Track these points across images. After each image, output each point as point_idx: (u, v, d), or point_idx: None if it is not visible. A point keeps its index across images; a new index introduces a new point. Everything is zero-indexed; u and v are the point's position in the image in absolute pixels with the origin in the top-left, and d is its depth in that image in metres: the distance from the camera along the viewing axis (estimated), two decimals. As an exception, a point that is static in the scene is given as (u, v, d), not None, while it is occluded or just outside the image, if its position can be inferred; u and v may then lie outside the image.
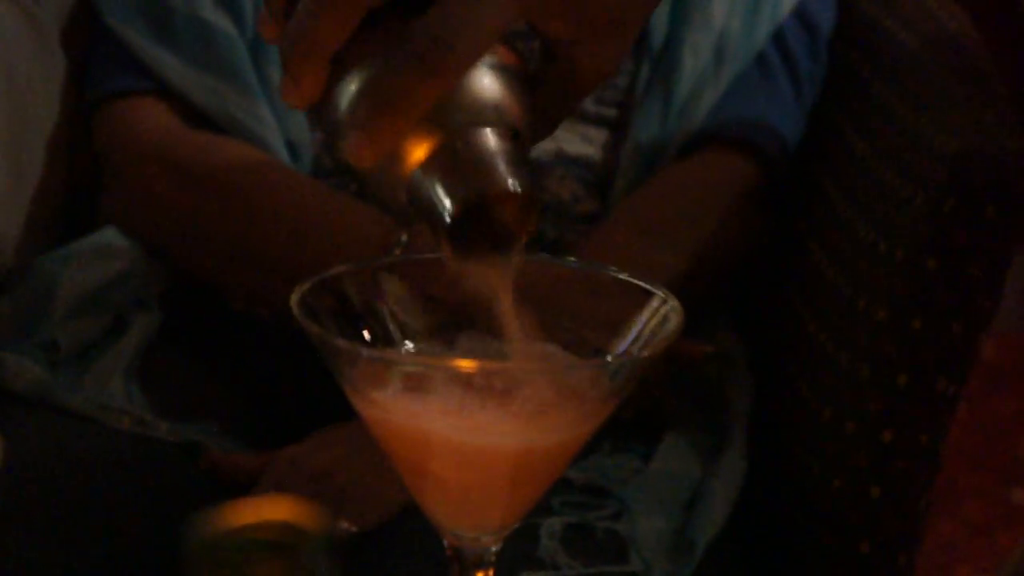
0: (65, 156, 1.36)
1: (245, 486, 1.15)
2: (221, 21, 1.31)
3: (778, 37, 1.36)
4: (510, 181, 0.68)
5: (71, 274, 1.28)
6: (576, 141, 1.34)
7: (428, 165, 0.68)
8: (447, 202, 0.67)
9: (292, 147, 1.31)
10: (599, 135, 1.34)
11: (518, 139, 0.69)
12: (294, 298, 0.72)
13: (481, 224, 0.68)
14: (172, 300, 1.32)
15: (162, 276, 1.32)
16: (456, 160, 0.67)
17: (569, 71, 0.72)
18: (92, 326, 1.28)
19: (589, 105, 1.34)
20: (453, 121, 0.67)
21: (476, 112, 0.68)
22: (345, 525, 1.10)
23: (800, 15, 1.37)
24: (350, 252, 1.20)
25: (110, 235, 1.31)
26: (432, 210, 0.68)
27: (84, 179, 1.36)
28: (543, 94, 0.72)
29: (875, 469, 1.15)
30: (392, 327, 0.76)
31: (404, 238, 1.20)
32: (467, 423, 0.70)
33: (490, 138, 0.68)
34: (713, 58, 1.34)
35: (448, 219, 0.67)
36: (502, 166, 0.68)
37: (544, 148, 1.32)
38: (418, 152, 0.67)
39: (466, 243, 0.69)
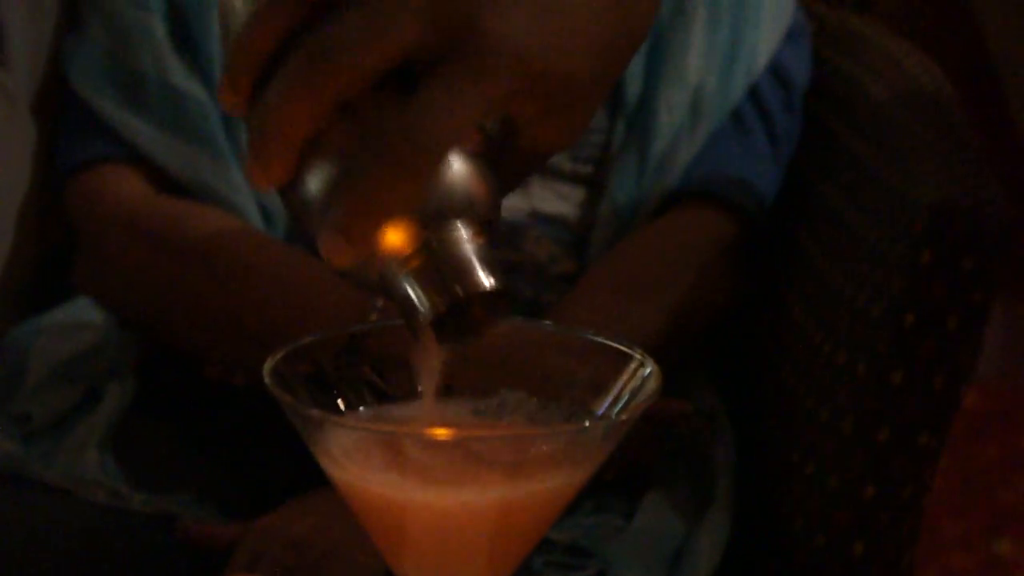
0: (36, 227, 1.35)
1: (221, 557, 1.13)
2: (192, 87, 1.31)
3: (754, 93, 1.36)
4: (487, 282, 0.68)
5: (43, 346, 1.27)
6: (551, 200, 1.33)
7: (406, 263, 0.68)
8: (426, 303, 0.68)
9: (265, 212, 1.31)
10: (575, 193, 1.34)
11: (489, 227, 0.69)
12: (266, 367, 0.71)
13: (457, 320, 0.69)
14: (146, 369, 1.31)
15: (136, 346, 1.31)
16: (435, 262, 0.68)
17: (529, 145, 0.71)
18: (65, 398, 1.27)
19: (564, 163, 1.34)
20: (429, 214, 0.67)
21: (451, 204, 0.68)
22: None
23: (775, 70, 1.37)
24: (326, 318, 1.20)
25: (82, 306, 1.30)
26: (410, 309, 0.68)
27: (55, 250, 1.35)
28: (502, 164, 0.71)
29: (858, 525, 1.14)
30: (367, 394, 0.75)
31: (380, 303, 1.19)
32: (444, 487, 0.69)
33: (464, 235, 0.68)
34: (689, 114, 1.34)
35: (427, 319, 0.68)
36: (478, 266, 0.68)
37: (518, 208, 1.32)
38: (395, 248, 0.68)
39: (441, 336, 0.69)
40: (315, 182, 0.67)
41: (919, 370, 1.11)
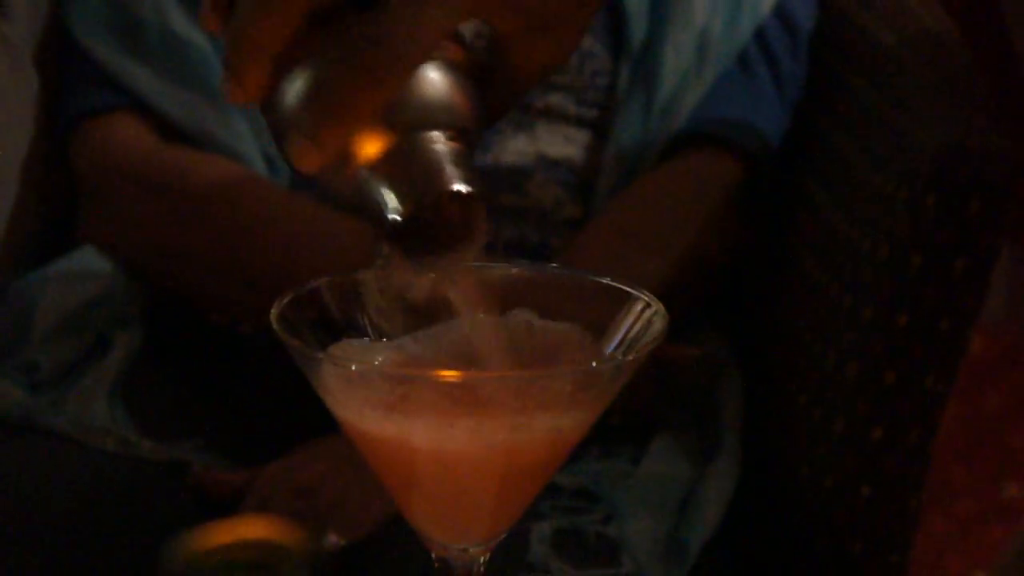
0: (40, 177, 1.35)
1: (231, 503, 1.14)
2: (193, 34, 1.30)
3: (760, 36, 1.36)
4: (457, 183, 0.67)
5: (50, 296, 1.27)
6: (558, 143, 1.33)
7: (376, 167, 0.67)
8: (395, 204, 0.67)
9: (269, 159, 1.30)
10: (581, 137, 1.34)
11: (466, 137, 0.69)
12: (273, 312, 0.71)
13: (430, 226, 0.68)
14: (153, 318, 1.31)
15: (142, 295, 1.31)
16: (404, 163, 0.67)
17: (516, 64, 0.71)
18: (73, 347, 1.27)
19: (570, 106, 1.33)
20: (400, 121, 0.67)
21: (423, 112, 0.67)
22: (334, 539, 1.09)
23: (781, 14, 1.37)
24: (330, 264, 1.20)
25: (88, 255, 1.30)
26: (380, 212, 0.67)
27: (60, 199, 1.35)
28: (490, 87, 0.71)
29: (866, 468, 1.14)
30: (373, 337, 0.75)
31: (385, 250, 1.19)
32: (452, 430, 0.69)
33: (438, 140, 0.68)
34: (696, 57, 1.33)
35: (396, 221, 0.67)
36: (450, 168, 0.67)
37: (525, 152, 1.32)
38: (365, 153, 0.67)
39: (416, 245, 0.69)
40: (288, 93, 0.67)
41: (925, 313, 1.11)
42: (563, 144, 1.33)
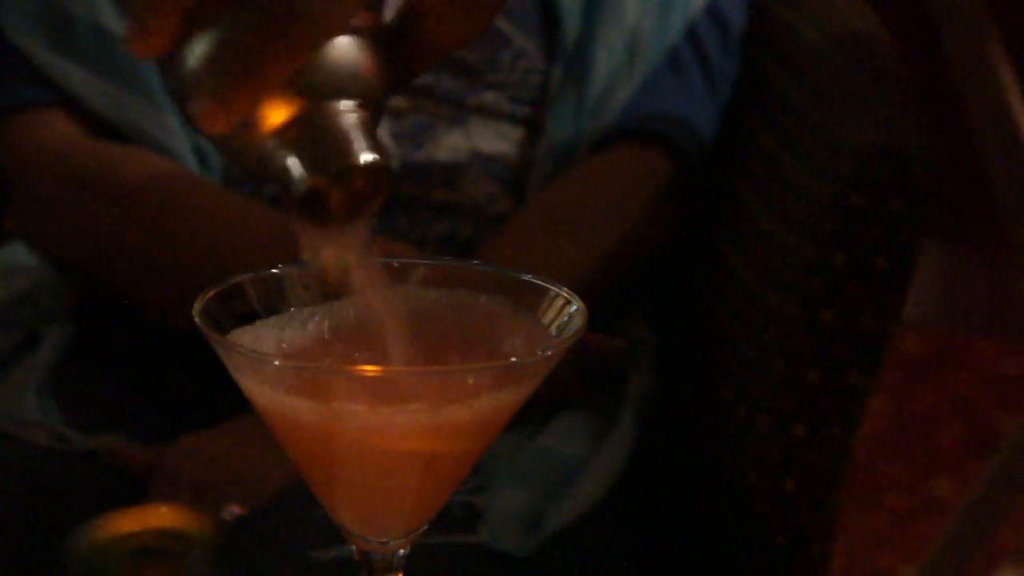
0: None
1: (145, 479, 1.15)
2: (123, 28, 1.30)
3: (691, 34, 1.37)
4: (365, 153, 0.68)
5: None
6: (492, 140, 1.34)
7: (283, 135, 0.67)
8: (301, 174, 0.67)
9: (200, 154, 1.31)
10: (515, 133, 1.35)
11: (373, 105, 0.69)
12: (196, 307, 0.72)
13: (335, 195, 0.68)
14: (85, 313, 1.31)
15: (72, 290, 1.31)
16: (312, 132, 0.67)
17: (427, 38, 0.72)
18: (2, 343, 1.27)
19: (504, 104, 1.34)
20: (310, 89, 0.67)
21: (333, 80, 0.68)
22: (235, 510, 1.11)
23: (712, 13, 1.38)
24: (258, 258, 1.20)
25: (16, 251, 1.30)
26: (287, 181, 0.68)
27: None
28: (397, 57, 0.71)
29: (789, 463, 1.16)
30: (296, 329, 0.76)
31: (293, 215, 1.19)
32: (371, 417, 0.70)
33: (347, 109, 0.68)
34: (626, 56, 1.34)
35: (303, 191, 0.67)
36: (358, 139, 0.68)
37: (459, 148, 1.32)
38: (273, 119, 0.67)
39: (320, 213, 0.69)
40: (196, 51, 0.66)
41: (848, 311, 1.13)
42: (497, 140, 1.34)
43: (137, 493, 1.17)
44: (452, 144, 1.32)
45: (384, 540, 0.75)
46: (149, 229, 1.25)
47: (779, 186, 1.23)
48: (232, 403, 1.13)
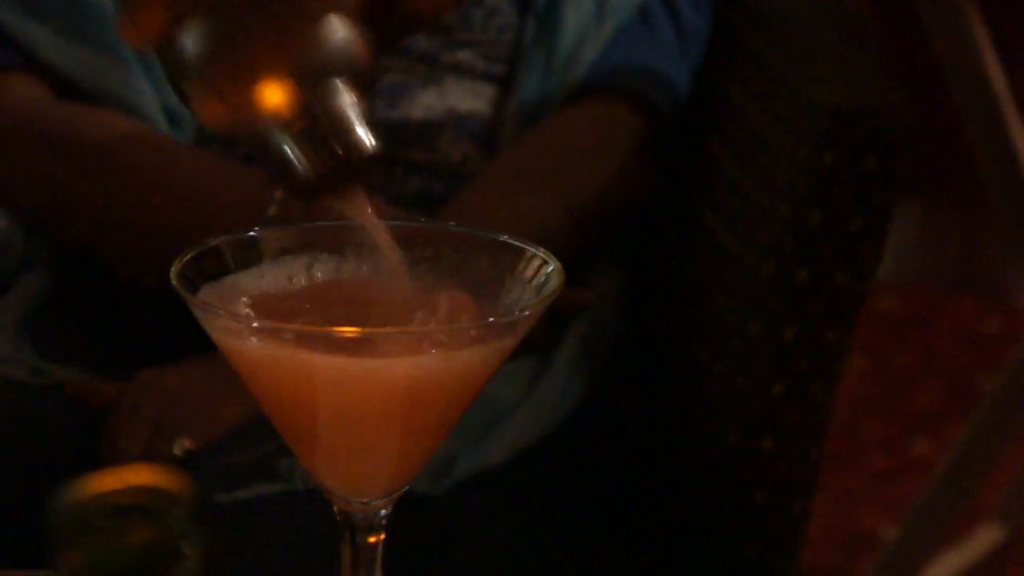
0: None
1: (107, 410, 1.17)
2: None
3: None
4: (369, 144, 0.69)
5: None
6: (467, 98, 1.34)
7: (283, 126, 0.68)
8: (305, 164, 0.68)
9: (170, 115, 1.30)
10: (488, 91, 1.35)
11: (362, 80, 0.70)
12: (173, 270, 0.72)
13: (333, 178, 0.70)
14: (62, 264, 1.32)
15: (45, 248, 1.31)
16: (313, 122, 0.68)
17: (410, 9, 0.72)
18: None
19: (477, 62, 1.34)
20: (305, 71, 0.68)
21: (327, 60, 0.68)
22: (187, 444, 1.12)
23: None
24: (225, 214, 1.21)
25: None
26: (290, 170, 0.69)
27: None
28: (382, 25, 0.72)
29: (767, 422, 1.17)
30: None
31: (278, 196, 1.20)
32: (352, 370, 0.70)
33: (342, 91, 0.69)
34: (595, 11, 1.34)
35: (309, 179, 0.68)
36: (359, 127, 0.69)
37: (434, 106, 1.32)
38: (272, 106, 0.68)
39: (317, 195, 0.70)
40: (189, 40, 0.66)
41: (823, 269, 1.13)
42: (471, 99, 1.34)
43: (84, 410, 1.18)
44: (427, 102, 1.32)
45: (366, 500, 0.76)
46: (118, 189, 1.26)
47: (753, 145, 1.23)
48: (203, 351, 1.15)
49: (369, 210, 0.73)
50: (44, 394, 1.20)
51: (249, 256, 0.76)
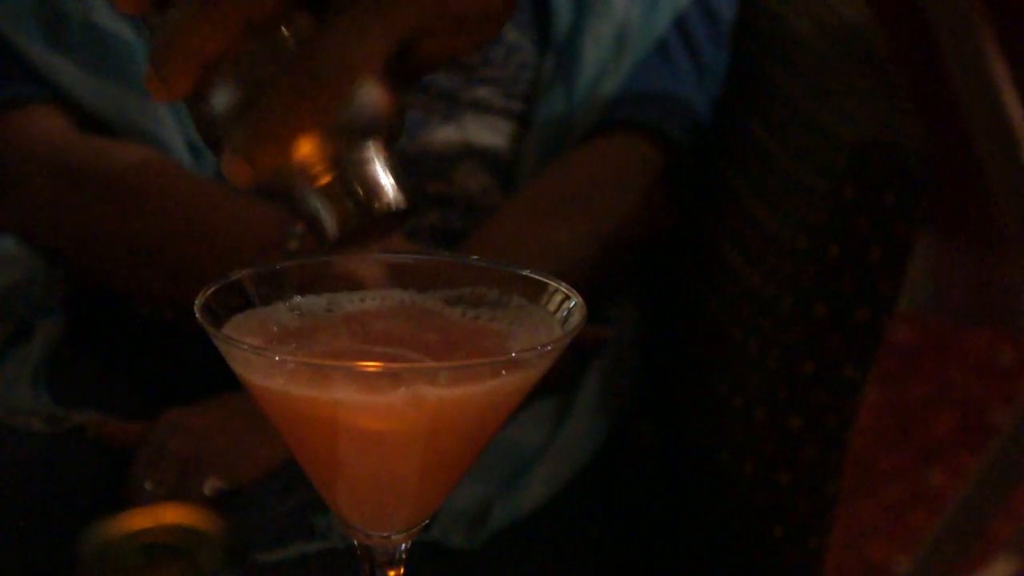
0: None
1: (130, 452, 1.16)
2: (117, 26, 1.30)
3: (680, 25, 1.37)
4: (399, 201, 0.69)
5: None
6: (485, 133, 1.34)
7: (312, 180, 0.68)
8: (336, 221, 0.69)
9: (194, 149, 1.31)
10: (508, 127, 1.35)
11: (391, 134, 0.70)
12: (197, 303, 0.72)
13: (365, 235, 0.71)
14: (77, 305, 1.32)
15: (64, 280, 1.31)
16: (344, 181, 0.68)
17: (425, 58, 0.72)
18: None
19: (497, 99, 1.34)
20: (335, 130, 0.68)
21: (358, 120, 0.68)
22: (216, 483, 1.12)
23: (702, 4, 1.38)
24: (246, 248, 1.21)
25: (8, 244, 1.30)
26: (319, 226, 0.69)
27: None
28: (403, 69, 0.71)
29: (784, 455, 1.16)
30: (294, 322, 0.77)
31: (299, 229, 1.20)
32: (375, 406, 0.70)
33: (373, 150, 0.69)
34: (614, 47, 1.35)
35: (337, 236, 0.69)
36: (390, 185, 0.69)
37: (451, 141, 1.32)
38: (300, 168, 0.68)
39: (344, 246, 0.71)
40: (220, 99, 0.67)
41: (842, 302, 1.13)
42: (490, 134, 1.34)
43: (126, 470, 1.18)
44: (445, 138, 1.33)
45: (386, 534, 0.75)
46: (141, 223, 1.26)
47: (773, 179, 1.23)
48: (224, 390, 1.15)
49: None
50: (64, 440, 1.19)
51: (273, 289, 0.76)
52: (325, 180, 0.69)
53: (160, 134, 1.29)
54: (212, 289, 0.73)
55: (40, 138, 1.30)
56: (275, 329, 0.75)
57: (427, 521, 0.76)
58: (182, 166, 1.29)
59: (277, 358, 0.72)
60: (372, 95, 0.69)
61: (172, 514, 0.46)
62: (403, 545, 0.76)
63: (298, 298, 0.76)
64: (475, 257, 0.81)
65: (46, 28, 1.30)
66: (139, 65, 1.30)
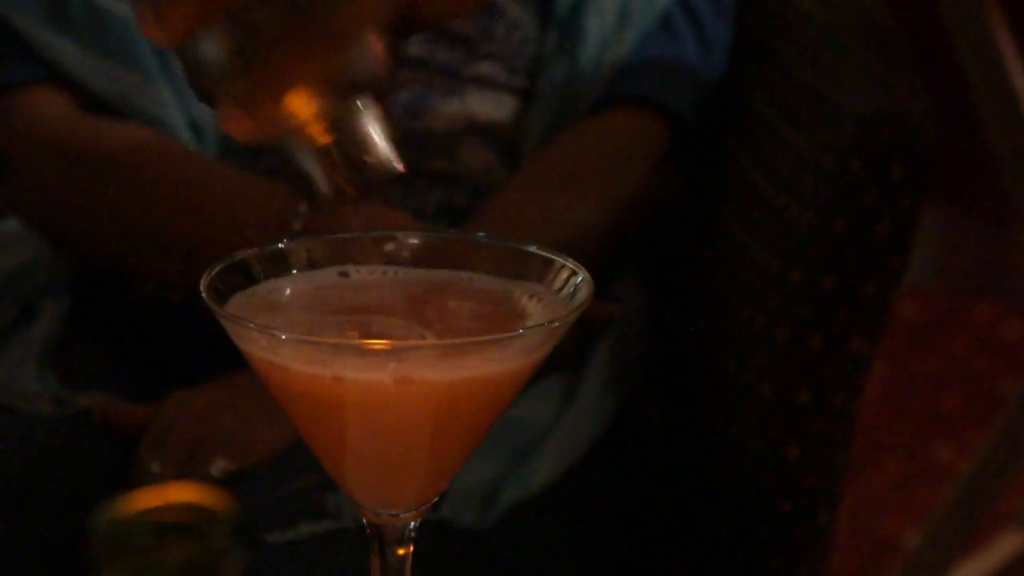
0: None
1: (136, 436, 1.16)
2: (117, 5, 1.30)
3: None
4: (393, 163, 0.69)
5: None
6: (488, 109, 1.34)
7: (308, 139, 0.68)
8: (332, 181, 0.68)
9: (195, 127, 1.30)
10: (510, 102, 1.35)
11: (383, 90, 0.70)
12: (203, 283, 0.72)
13: (356, 193, 0.70)
14: (82, 286, 1.32)
15: (67, 263, 1.31)
16: (340, 141, 0.68)
17: (422, 15, 0.71)
18: (0, 316, 1.27)
19: (500, 74, 1.34)
20: (330, 89, 0.67)
21: (353, 75, 0.68)
22: (222, 463, 1.12)
23: None
24: (250, 228, 1.21)
25: (11, 226, 1.30)
26: (313, 185, 0.69)
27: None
28: (395, 31, 0.70)
29: (792, 430, 1.16)
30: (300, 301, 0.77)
31: (302, 208, 1.20)
32: (383, 381, 0.70)
33: (367, 109, 0.68)
34: (617, 21, 1.34)
35: (333, 196, 0.69)
36: (385, 146, 0.69)
37: (455, 117, 1.32)
38: (297, 123, 0.67)
39: (338, 204, 0.70)
40: (216, 45, 0.65)
41: (849, 276, 1.13)
42: (493, 110, 1.34)
43: (132, 452, 1.18)
44: (448, 114, 1.32)
45: (395, 513, 0.75)
46: (143, 203, 1.26)
47: (779, 153, 1.23)
48: (230, 370, 1.15)
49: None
50: (71, 423, 1.19)
51: (278, 268, 0.76)
52: (323, 138, 0.68)
53: (162, 114, 1.29)
54: (217, 268, 0.73)
55: (40, 119, 1.30)
56: (281, 307, 0.75)
57: (436, 499, 0.76)
58: (184, 145, 1.29)
59: (284, 336, 0.72)
60: (373, 50, 0.68)
61: (181, 493, 0.46)
62: (412, 524, 0.76)
63: (303, 276, 0.76)
64: (480, 234, 0.81)
65: (46, 8, 1.30)
66: (139, 44, 1.29)
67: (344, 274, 0.77)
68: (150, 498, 0.46)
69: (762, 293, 1.20)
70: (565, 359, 1.25)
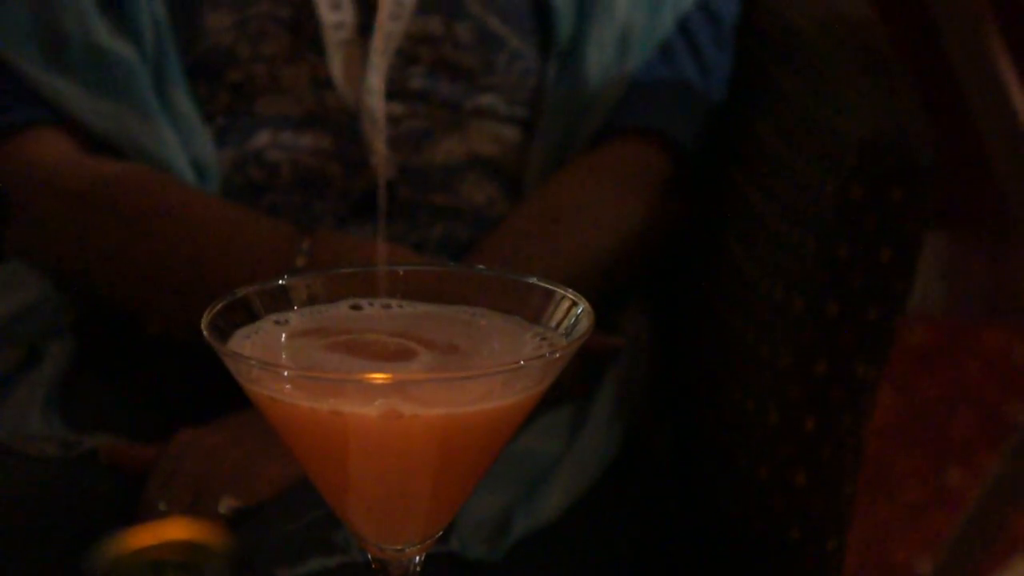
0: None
1: (143, 475, 1.16)
2: (118, 45, 1.30)
3: (682, 28, 1.37)
4: None
5: None
6: (489, 142, 1.34)
7: None
8: None
9: (198, 168, 1.31)
10: (512, 135, 1.35)
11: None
12: (204, 320, 0.72)
13: None
14: (87, 327, 1.32)
15: (73, 303, 1.31)
16: None
17: None
18: (4, 359, 1.27)
19: (501, 106, 1.34)
20: None
21: None
22: (230, 501, 1.11)
23: (704, 6, 1.38)
24: (253, 266, 1.21)
25: (15, 267, 1.30)
26: None
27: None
28: None
29: (800, 456, 1.16)
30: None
31: (306, 245, 1.20)
32: (384, 422, 0.70)
33: None
34: (617, 51, 1.34)
35: None
36: None
37: (456, 151, 1.32)
38: None
39: None
40: None
41: (853, 301, 1.13)
42: (495, 143, 1.34)
43: (139, 493, 1.17)
44: (449, 147, 1.33)
45: (400, 547, 0.75)
46: (146, 242, 1.26)
47: (780, 179, 1.23)
48: (235, 409, 1.14)
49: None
50: (77, 465, 1.19)
51: (279, 305, 0.76)
52: None
53: (164, 154, 1.29)
54: (218, 306, 0.74)
55: (42, 161, 1.30)
56: (283, 343, 0.75)
57: (440, 533, 0.76)
58: (186, 184, 1.29)
59: (286, 372, 0.72)
60: None
61: (178, 530, 0.46)
62: (417, 558, 0.76)
63: (304, 311, 0.76)
64: (481, 267, 0.81)
65: (46, 49, 1.30)
66: (140, 84, 1.29)
67: (352, 307, 0.77)
68: (147, 536, 0.45)
69: (766, 319, 1.19)
70: (572, 392, 1.25)
